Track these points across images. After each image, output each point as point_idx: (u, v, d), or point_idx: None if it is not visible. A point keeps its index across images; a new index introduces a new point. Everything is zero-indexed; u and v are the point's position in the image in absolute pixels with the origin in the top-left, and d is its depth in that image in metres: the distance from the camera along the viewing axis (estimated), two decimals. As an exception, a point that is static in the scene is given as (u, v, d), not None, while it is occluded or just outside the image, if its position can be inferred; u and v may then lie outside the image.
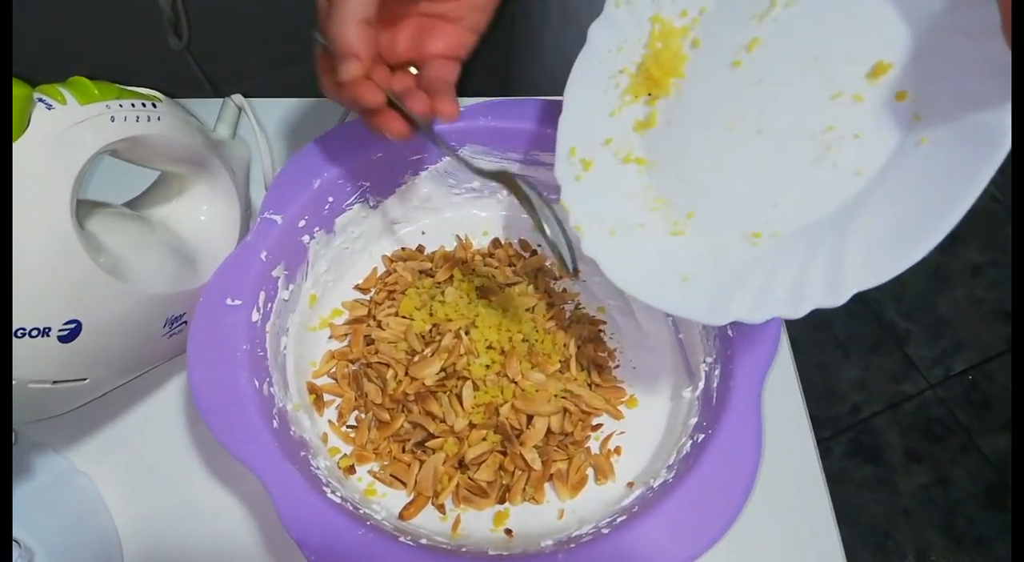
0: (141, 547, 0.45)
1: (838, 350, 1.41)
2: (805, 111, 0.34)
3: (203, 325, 0.42)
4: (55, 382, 0.39)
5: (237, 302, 0.44)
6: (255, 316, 0.44)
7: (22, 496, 0.43)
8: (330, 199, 0.50)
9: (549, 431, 0.46)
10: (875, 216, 0.31)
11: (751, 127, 0.36)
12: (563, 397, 0.47)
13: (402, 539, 0.37)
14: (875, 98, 0.32)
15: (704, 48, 0.38)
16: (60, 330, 0.37)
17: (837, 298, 0.30)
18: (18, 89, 0.33)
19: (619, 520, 0.39)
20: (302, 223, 0.48)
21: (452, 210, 0.58)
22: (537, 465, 0.45)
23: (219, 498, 0.47)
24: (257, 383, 0.42)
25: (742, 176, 0.36)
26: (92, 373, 0.41)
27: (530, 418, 0.46)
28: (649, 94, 0.39)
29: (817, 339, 1.41)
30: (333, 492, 0.40)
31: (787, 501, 0.46)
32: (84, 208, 0.43)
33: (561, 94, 0.41)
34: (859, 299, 0.34)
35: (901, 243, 0.29)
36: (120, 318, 0.41)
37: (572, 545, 0.38)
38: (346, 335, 0.52)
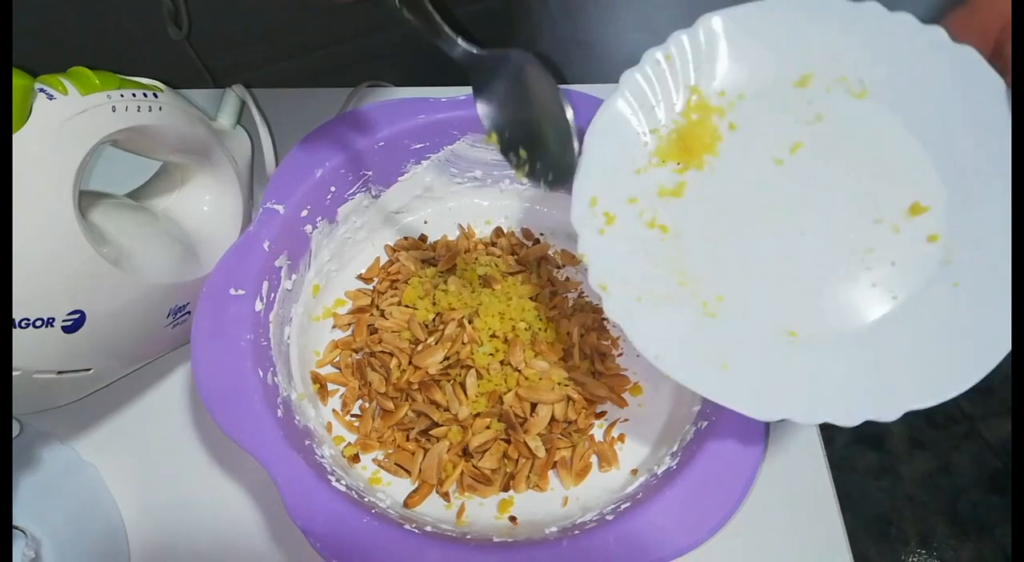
0: (147, 536, 0.46)
1: (841, 338, 1.41)
2: (847, 225, 0.34)
3: (206, 315, 0.42)
4: (60, 372, 0.39)
5: (240, 292, 0.44)
6: (258, 306, 0.44)
7: (28, 486, 0.43)
8: (332, 188, 0.50)
9: (553, 419, 0.46)
10: (912, 342, 0.32)
11: (792, 228, 0.35)
12: (566, 385, 0.47)
13: (407, 527, 0.38)
14: (911, 233, 0.33)
15: (742, 134, 0.37)
16: (64, 320, 0.37)
17: (889, 414, 0.31)
18: (19, 79, 0.33)
19: (623, 507, 0.39)
20: (304, 213, 0.48)
21: (454, 199, 0.58)
22: (541, 453, 0.45)
23: (224, 487, 0.47)
24: (261, 373, 0.42)
25: (777, 273, 0.35)
26: (96, 363, 0.41)
27: (534, 406, 0.46)
28: (678, 162, 0.38)
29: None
30: (338, 481, 0.40)
31: (791, 488, 0.46)
32: (86, 199, 0.42)
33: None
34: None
35: (947, 372, 0.31)
36: (123, 308, 0.41)
37: (576, 532, 0.38)
38: (349, 324, 0.52)
